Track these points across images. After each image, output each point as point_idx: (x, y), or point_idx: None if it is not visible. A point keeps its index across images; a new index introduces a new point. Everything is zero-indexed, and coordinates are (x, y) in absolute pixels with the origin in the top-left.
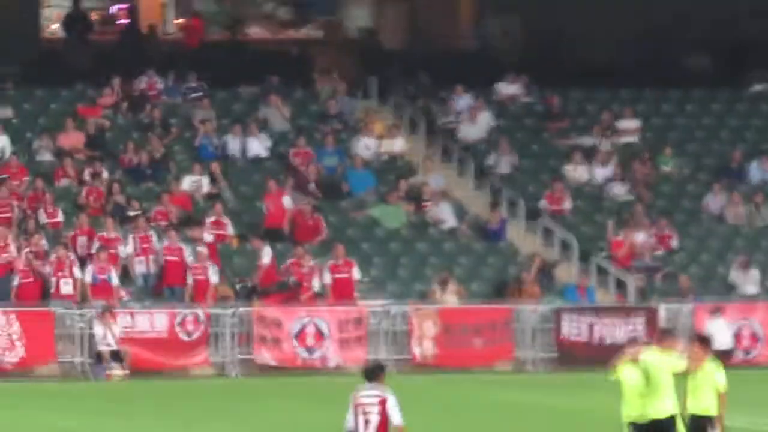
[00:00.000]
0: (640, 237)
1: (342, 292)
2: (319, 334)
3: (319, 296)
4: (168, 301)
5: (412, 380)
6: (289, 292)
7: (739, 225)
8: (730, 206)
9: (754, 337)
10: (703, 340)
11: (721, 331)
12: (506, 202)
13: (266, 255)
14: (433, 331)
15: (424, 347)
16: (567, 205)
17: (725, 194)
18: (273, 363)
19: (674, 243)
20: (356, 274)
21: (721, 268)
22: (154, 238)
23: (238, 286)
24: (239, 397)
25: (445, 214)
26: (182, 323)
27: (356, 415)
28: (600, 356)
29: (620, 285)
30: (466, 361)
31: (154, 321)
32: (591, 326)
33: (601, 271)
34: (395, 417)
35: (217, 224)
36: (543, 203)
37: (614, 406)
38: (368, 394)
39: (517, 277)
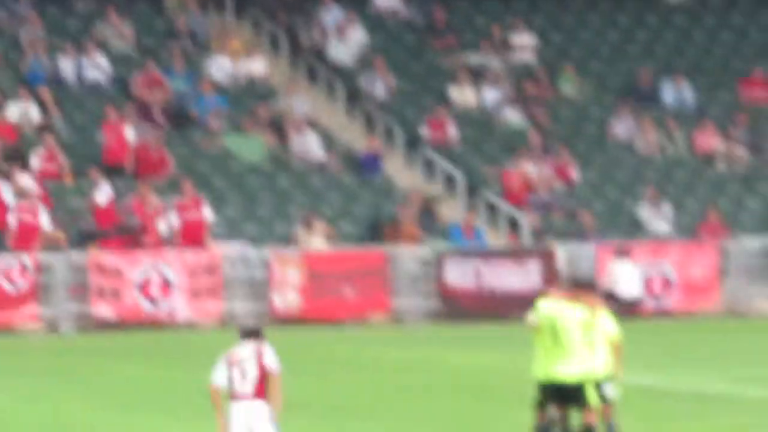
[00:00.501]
0: (536, 169)
1: (192, 235)
2: (166, 284)
3: (165, 240)
4: None
5: (273, 336)
6: (131, 236)
7: (649, 154)
8: (639, 133)
9: (666, 283)
10: (589, 286)
11: (628, 275)
12: (382, 130)
13: (104, 193)
14: (297, 280)
15: (287, 298)
16: (452, 133)
17: (634, 119)
18: (112, 317)
19: (575, 175)
20: (208, 214)
21: (629, 203)
22: None
23: (71, 230)
24: (73, 357)
25: (311, 145)
26: (6, 273)
27: (230, 370)
28: (489, 306)
29: (513, 224)
30: (335, 313)
31: None
32: (479, 272)
33: (491, 209)
34: (272, 365)
35: (49, 159)
36: (424, 131)
37: (507, 363)
38: (244, 349)
39: (394, 216)
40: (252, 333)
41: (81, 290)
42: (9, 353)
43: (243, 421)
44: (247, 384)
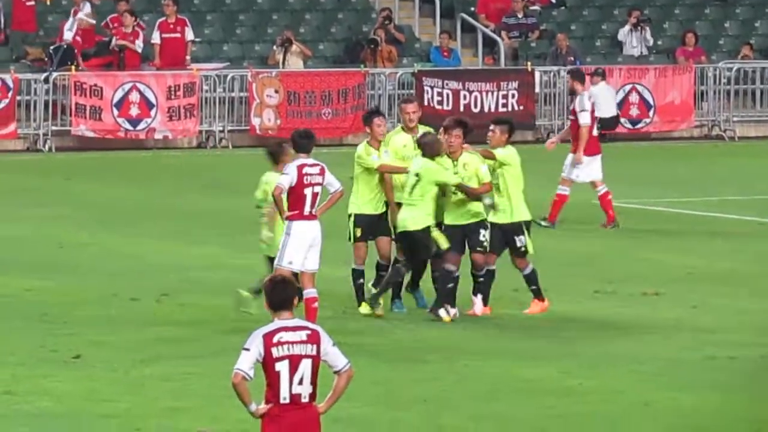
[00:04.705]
0: None
1: (172, 54)
2: (145, 103)
3: (145, 59)
4: None
5: (251, 155)
6: (111, 56)
7: None
8: None
9: (644, 105)
10: (462, 124)
11: (605, 97)
12: None
13: (85, 10)
14: (275, 100)
15: (264, 118)
16: None
17: None
18: (92, 135)
19: None
20: (189, 34)
21: (607, 25)
22: None
23: (51, 49)
24: (53, 174)
25: None
26: None
27: (302, 188)
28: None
29: (489, 45)
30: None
31: None
32: (456, 93)
33: (468, 30)
34: (336, 183)
35: None
36: None
37: None
38: (312, 168)
39: (372, 36)
40: (311, 143)
41: (61, 109)
42: None
43: (309, 237)
44: (314, 206)
